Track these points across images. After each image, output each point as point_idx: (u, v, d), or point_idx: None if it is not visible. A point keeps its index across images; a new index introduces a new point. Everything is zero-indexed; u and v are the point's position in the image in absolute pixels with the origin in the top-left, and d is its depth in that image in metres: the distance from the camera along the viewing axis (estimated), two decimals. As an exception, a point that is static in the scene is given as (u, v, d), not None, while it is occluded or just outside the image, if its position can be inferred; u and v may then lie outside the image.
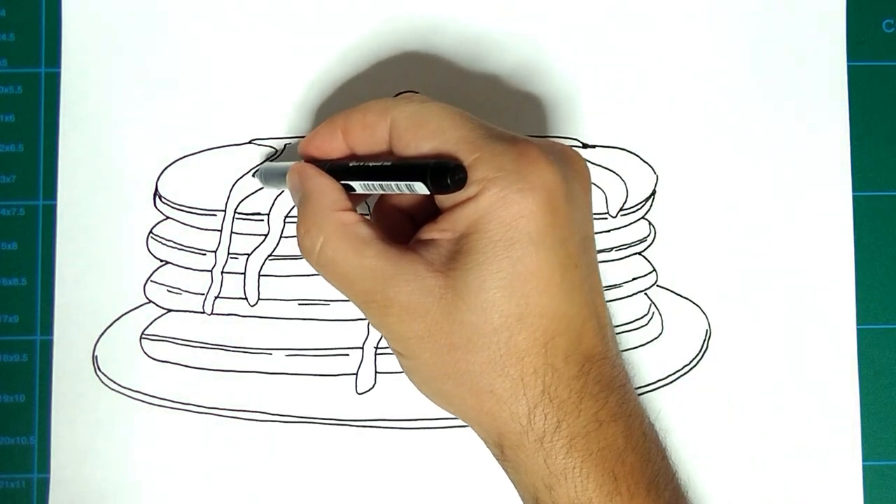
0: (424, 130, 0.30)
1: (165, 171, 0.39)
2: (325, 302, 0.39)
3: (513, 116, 0.40)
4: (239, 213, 0.39)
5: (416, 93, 0.32)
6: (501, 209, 0.29)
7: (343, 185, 0.32)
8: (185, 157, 0.39)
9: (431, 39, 0.40)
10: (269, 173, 0.37)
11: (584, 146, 0.40)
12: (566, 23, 0.40)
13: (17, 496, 0.39)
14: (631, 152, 0.40)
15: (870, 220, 0.40)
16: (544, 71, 0.40)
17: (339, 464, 0.39)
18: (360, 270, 0.30)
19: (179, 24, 0.40)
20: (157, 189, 0.39)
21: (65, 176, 0.39)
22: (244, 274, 0.39)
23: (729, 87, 0.40)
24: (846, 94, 0.40)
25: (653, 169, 0.40)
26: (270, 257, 0.39)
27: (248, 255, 0.39)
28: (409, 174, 0.29)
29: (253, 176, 0.39)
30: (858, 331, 0.40)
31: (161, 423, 0.39)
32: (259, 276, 0.39)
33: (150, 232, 0.39)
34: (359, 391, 0.39)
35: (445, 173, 0.28)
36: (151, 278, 0.39)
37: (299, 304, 0.39)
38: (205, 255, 0.39)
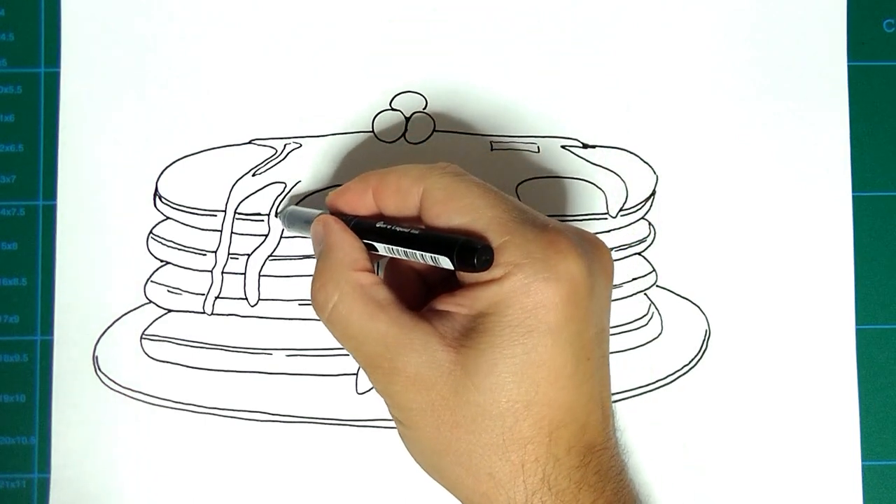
0: (457, 204, 0.30)
1: (165, 171, 0.39)
2: (325, 302, 0.39)
3: (514, 116, 0.40)
4: (239, 214, 0.39)
5: (453, 164, 0.32)
6: (524, 296, 0.29)
7: (366, 243, 0.32)
8: (185, 157, 0.39)
9: (433, 39, 0.40)
10: (293, 217, 0.37)
11: (584, 146, 0.40)
12: (567, 22, 0.40)
13: (17, 496, 0.39)
14: (631, 152, 0.40)
15: (870, 220, 0.40)
16: (544, 71, 0.40)
17: (339, 464, 0.39)
18: (371, 334, 0.30)
19: (179, 24, 0.40)
20: (157, 189, 0.39)
21: (65, 176, 0.39)
22: (244, 274, 0.39)
23: (729, 87, 0.40)
24: (846, 94, 0.40)
25: (653, 169, 0.40)
26: (271, 258, 0.39)
27: (249, 255, 0.39)
28: (437, 247, 0.29)
29: (276, 216, 0.39)
30: (858, 331, 0.40)
31: (161, 423, 0.39)
32: (259, 276, 0.39)
33: (150, 232, 0.39)
34: (359, 391, 0.39)
35: (473, 253, 0.28)
36: (151, 278, 0.39)
37: (299, 305, 0.39)
38: (205, 255, 0.39)
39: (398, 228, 0.31)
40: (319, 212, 0.35)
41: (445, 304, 0.31)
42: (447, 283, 0.33)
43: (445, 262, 0.29)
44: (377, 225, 0.32)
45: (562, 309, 0.29)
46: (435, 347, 0.30)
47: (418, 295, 0.33)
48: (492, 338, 0.29)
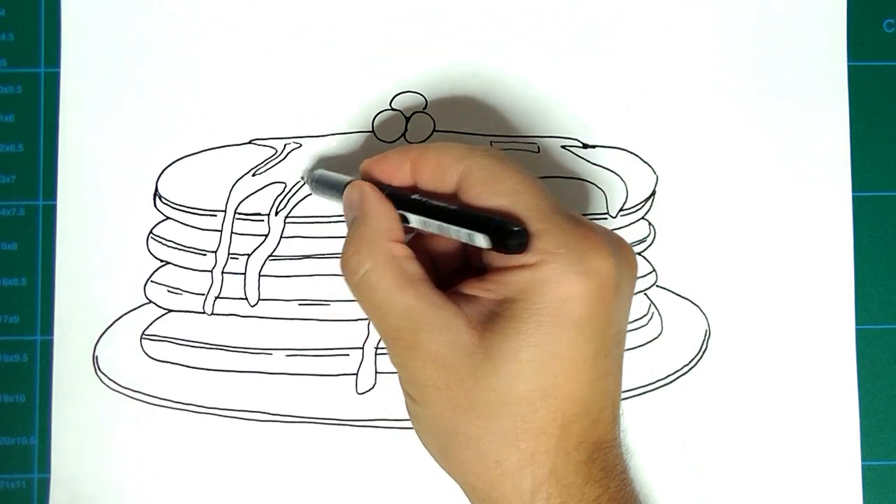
0: (498, 187, 0.30)
1: (165, 171, 0.39)
2: (325, 302, 0.39)
3: (513, 116, 0.40)
4: (239, 214, 0.39)
5: (495, 148, 0.33)
6: (555, 286, 0.29)
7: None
8: (185, 157, 0.39)
9: (433, 39, 0.40)
10: (323, 181, 0.36)
11: (584, 146, 0.40)
12: (567, 22, 0.40)
13: (17, 496, 0.39)
14: (631, 152, 0.40)
15: (870, 220, 0.40)
16: (544, 71, 0.40)
17: (339, 464, 0.39)
18: (398, 307, 0.30)
19: (179, 24, 0.40)
20: (157, 189, 0.39)
21: (65, 176, 0.39)
22: (244, 274, 0.39)
23: (729, 87, 0.40)
24: (846, 94, 0.40)
25: (653, 169, 0.40)
26: (271, 257, 0.39)
27: (249, 255, 0.39)
28: (475, 224, 0.29)
29: (302, 177, 0.39)
30: (858, 331, 0.40)
31: (161, 423, 0.39)
32: (259, 276, 0.39)
33: (150, 232, 0.39)
34: (359, 391, 0.39)
35: (510, 234, 0.28)
36: (151, 278, 0.39)
37: (299, 305, 0.39)
38: (205, 255, 0.39)
39: (436, 203, 0.31)
40: (350, 178, 0.35)
41: (472, 288, 0.31)
42: (462, 273, 0.33)
43: (481, 240, 0.29)
44: (413, 197, 0.32)
45: (589, 304, 0.29)
46: (459, 328, 0.29)
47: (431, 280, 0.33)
48: (517, 324, 0.29)
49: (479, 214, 0.30)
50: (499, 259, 0.30)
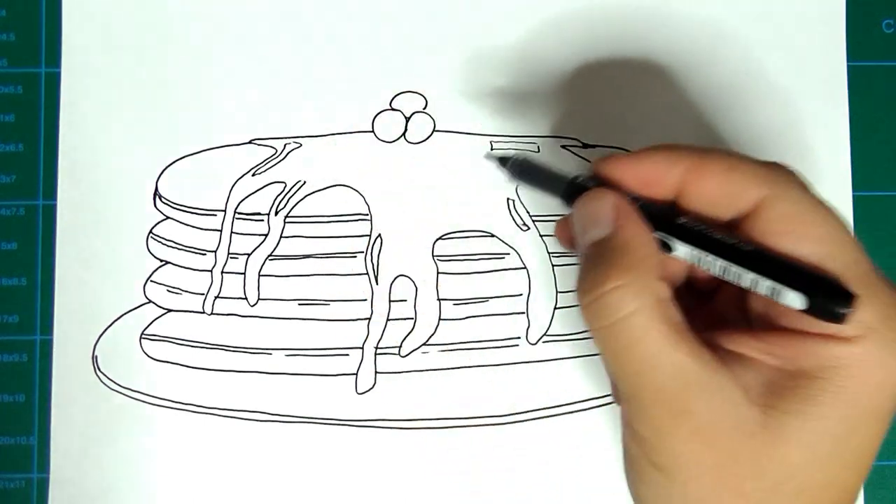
0: (812, 231, 0.25)
1: (165, 171, 0.39)
2: (325, 302, 0.39)
3: (513, 116, 0.40)
4: (239, 213, 0.39)
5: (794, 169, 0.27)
6: (872, 370, 0.24)
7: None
8: (185, 157, 0.39)
9: (431, 40, 0.40)
10: (537, 172, 0.30)
11: (584, 146, 0.40)
12: (566, 22, 0.40)
13: (17, 496, 0.39)
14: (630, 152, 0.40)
15: (870, 220, 0.40)
16: (544, 71, 0.40)
17: (339, 464, 0.39)
18: (669, 365, 0.24)
19: (179, 24, 0.40)
20: (157, 189, 0.39)
21: (65, 176, 0.39)
22: (244, 274, 0.39)
23: (729, 87, 0.40)
24: (846, 94, 0.40)
25: (653, 169, 0.40)
26: (270, 257, 0.39)
27: (249, 255, 0.39)
28: (790, 278, 0.24)
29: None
30: (858, 331, 0.40)
31: (161, 423, 0.39)
32: (259, 276, 0.39)
33: (150, 232, 0.39)
34: (359, 391, 0.39)
35: (838, 298, 0.23)
36: (151, 278, 0.39)
37: (299, 304, 0.39)
38: (205, 255, 0.39)
39: (723, 238, 0.25)
40: (572, 174, 0.29)
41: (746, 346, 0.25)
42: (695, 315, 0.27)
43: (793, 299, 0.24)
44: (686, 223, 0.26)
45: None
46: (737, 399, 0.24)
47: None
48: (815, 408, 0.24)
49: (795, 265, 0.24)
50: (791, 319, 0.25)
